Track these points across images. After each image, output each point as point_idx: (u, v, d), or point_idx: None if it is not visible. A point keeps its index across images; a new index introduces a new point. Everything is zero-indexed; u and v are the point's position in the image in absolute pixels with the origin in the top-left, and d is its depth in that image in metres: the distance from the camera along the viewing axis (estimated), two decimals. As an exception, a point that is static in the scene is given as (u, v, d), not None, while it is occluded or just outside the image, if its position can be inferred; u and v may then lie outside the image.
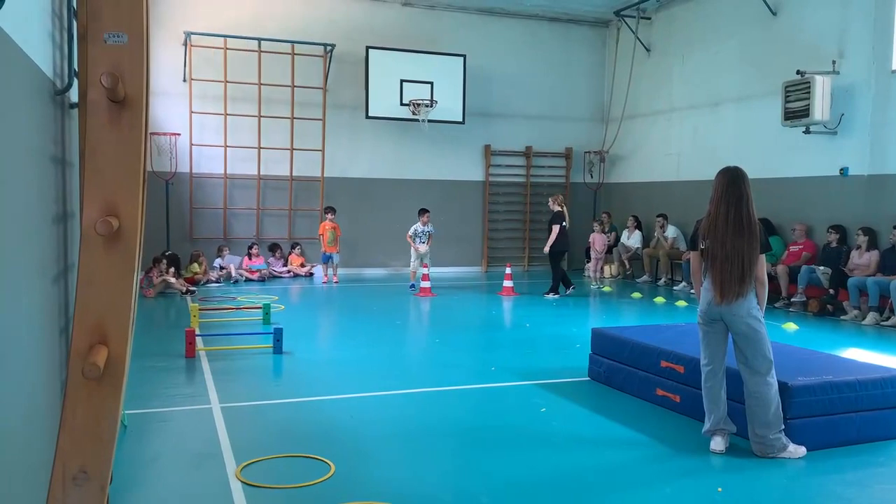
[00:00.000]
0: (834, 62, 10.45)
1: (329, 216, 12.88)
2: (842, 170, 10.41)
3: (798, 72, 10.49)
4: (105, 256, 2.33)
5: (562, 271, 11.67)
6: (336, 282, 12.69)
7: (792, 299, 10.22)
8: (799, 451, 4.38)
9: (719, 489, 3.90)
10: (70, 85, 3.37)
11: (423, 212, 12.03)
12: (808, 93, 10.27)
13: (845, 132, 10.39)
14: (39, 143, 2.83)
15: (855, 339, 8.32)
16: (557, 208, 11.63)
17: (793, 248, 10.74)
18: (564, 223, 11.55)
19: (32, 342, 2.70)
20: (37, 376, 2.80)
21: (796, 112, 10.50)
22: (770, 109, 11.27)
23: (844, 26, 10.44)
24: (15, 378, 2.44)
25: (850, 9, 10.35)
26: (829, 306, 9.81)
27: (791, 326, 8.88)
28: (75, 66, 3.23)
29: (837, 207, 10.44)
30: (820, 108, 10.23)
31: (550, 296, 11.42)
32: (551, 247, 11.48)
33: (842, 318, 9.54)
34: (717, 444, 4.47)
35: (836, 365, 5.11)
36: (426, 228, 11.93)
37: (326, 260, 12.82)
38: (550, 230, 11.54)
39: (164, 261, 11.20)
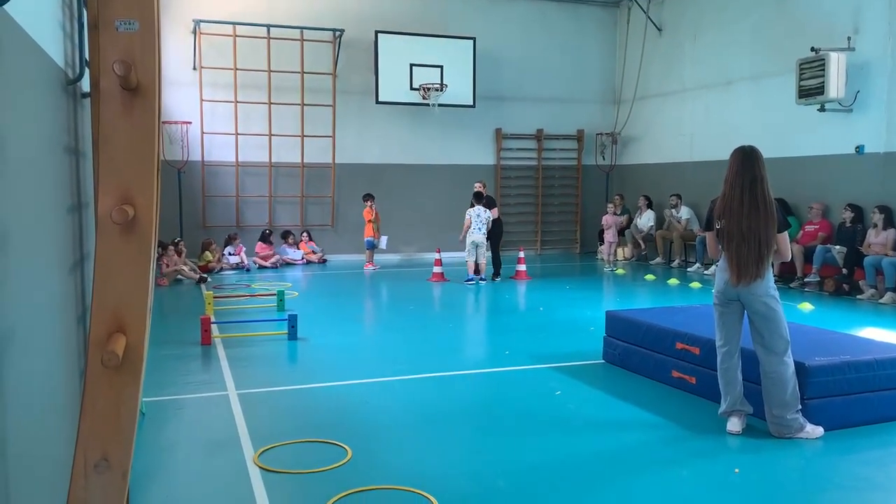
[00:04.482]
0: (849, 38, 10.29)
1: (371, 203, 12.82)
2: (857, 148, 10.28)
3: (812, 49, 10.34)
4: (121, 245, 2.33)
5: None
6: (376, 267, 12.73)
7: (806, 279, 10.15)
8: (816, 431, 4.36)
9: (736, 470, 3.89)
10: (81, 74, 3.36)
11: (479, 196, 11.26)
12: (823, 70, 10.13)
13: (861, 109, 10.25)
14: (52, 134, 2.83)
15: (872, 318, 8.25)
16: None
17: (808, 228, 10.65)
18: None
19: (51, 332, 2.72)
20: (56, 366, 2.82)
21: (811, 90, 10.37)
22: (784, 87, 11.13)
23: (859, 2, 10.26)
24: (35, 368, 2.46)
25: (865, -16, 10.20)
26: (844, 286, 9.73)
27: (806, 306, 8.82)
28: (86, 55, 3.23)
29: (853, 186, 10.32)
30: (835, 86, 10.09)
31: (497, 279, 11.34)
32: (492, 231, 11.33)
33: (858, 297, 9.47)
34: (734, 425, 4.46)
35: (853, 344, 5.08)
36: (483, 214, 11.01)
37: (372, 245, 12.81)
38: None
39: (173, 248, 11.25)
